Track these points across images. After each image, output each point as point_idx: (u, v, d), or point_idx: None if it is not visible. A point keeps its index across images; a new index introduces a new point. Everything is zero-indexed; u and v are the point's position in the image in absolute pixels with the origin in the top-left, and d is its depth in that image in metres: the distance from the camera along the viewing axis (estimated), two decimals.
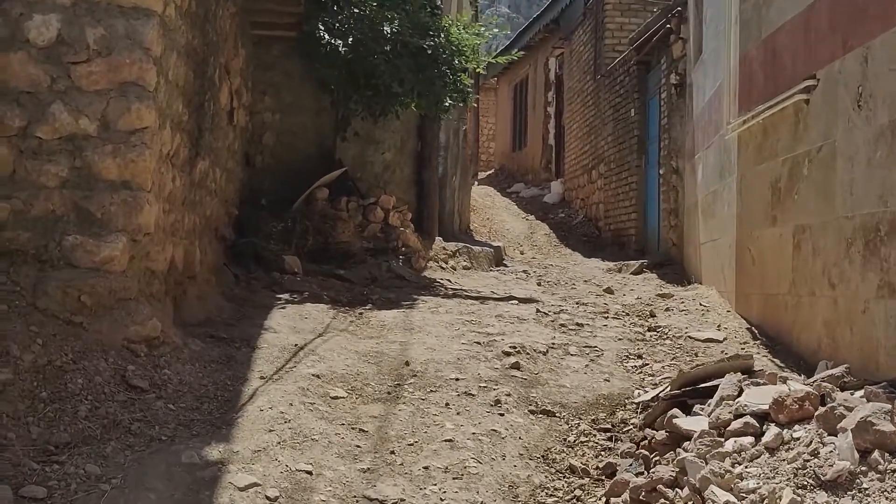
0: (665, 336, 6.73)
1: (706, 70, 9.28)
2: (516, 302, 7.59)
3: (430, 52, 8.92)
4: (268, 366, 5.11)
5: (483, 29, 9.60)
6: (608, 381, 5.52)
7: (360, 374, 5.17)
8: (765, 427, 3.58)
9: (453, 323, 6.53)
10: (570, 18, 17.65)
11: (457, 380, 5.20)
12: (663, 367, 5.88)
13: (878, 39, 5.03)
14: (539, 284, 10.10)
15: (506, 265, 12.17)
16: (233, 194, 8.58)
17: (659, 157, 12.34)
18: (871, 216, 5.07)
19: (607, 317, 7.30)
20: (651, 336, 6.73)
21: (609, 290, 9.07)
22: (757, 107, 6.95)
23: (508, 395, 5.03)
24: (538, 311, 7.12)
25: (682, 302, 8.01)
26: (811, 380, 4.20)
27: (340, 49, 8.58)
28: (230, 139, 8.29)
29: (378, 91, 9.27)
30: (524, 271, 11.28)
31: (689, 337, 6.63)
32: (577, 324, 6.86)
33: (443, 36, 9.11)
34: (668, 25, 11.31)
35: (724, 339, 6.57)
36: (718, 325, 6.99)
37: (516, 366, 5.53)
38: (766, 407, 3.62)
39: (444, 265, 10.33)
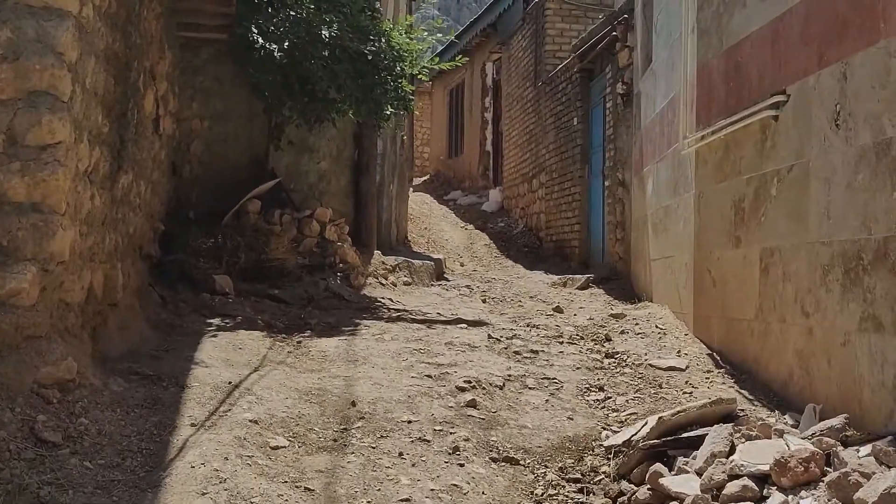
0: (624, 363, 6.36)
1: (657, 80, 8.97)
2: (465, 326, 7.15)
3: (370, 57, 8.43)
4: (199, 409, 4.57)
5: (426, 34, 9.16)
6: (571, 418, 5.11)
7: (302, 417, 4.67)
8: (766, 491, 3.20)
9: (400, 352, 6.06)
10: (508, 23, 17.31)
11: (409, 422, 4.74)
12: (627, 400, 5.50)
13: (860, 55, 4.71)
14: (484, 301, 9.68)
15: (447, 279, 11.74)
16: (158, 207, 7.98)
17: (603, 167, 12.03)
18: (853, 243, 4.75)
19: (562, 341, 6.90)
20: (610, 364, 6.35)
21: (559, 309, 8.69)
22: (718, 121, 6.62)
23: (467, 439, 4.58)
24: (490, 336, 6.69)
25: (637, 323, 7.66)
26: (808, 432, 3.84)
27: (275, 53, 8.03)
28: (156, 149, 7.70)
29: (314, 97, 8.74)
30: (467, 286, 10.86)
31: (649, 365, 6.26)
32: (532, 351, 6.44)
33: (384, 41, 8.63)
34: (614, 33, 11.00)
35: (687, 366, 6.22)
36: (678, 351, 6.65)
37: (473, 404, 5.09)
38: (766, 468, 3.23)
39: (383, 281, 9.84)
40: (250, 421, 4.45)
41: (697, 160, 7.13)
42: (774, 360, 5.68)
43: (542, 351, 6.49)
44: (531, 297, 10.13)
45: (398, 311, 7.92)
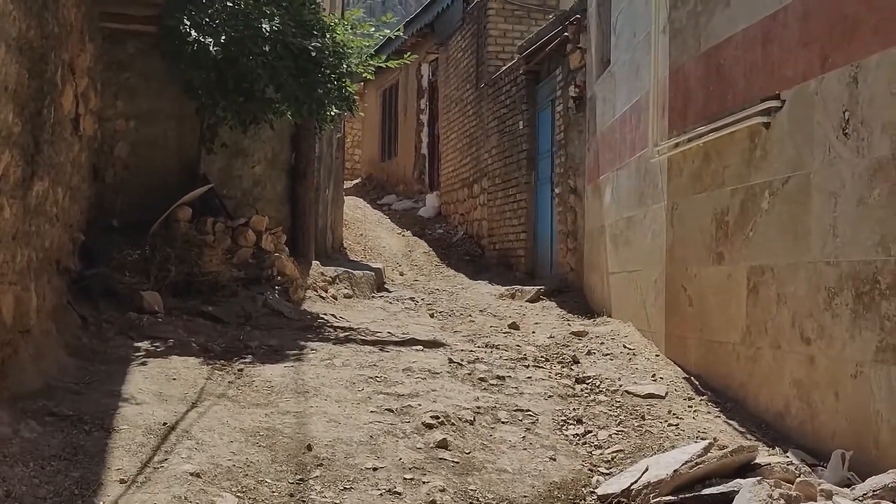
0: (598, 390, 5.84)
1: (616, 83, 8.50)
2: (421, 347, 6.55)
3: (314, 54, 7.77)
4: (129, 460, 3.89)
5: (373, 30, 8.54)
6: (554, 459, 4.55)
7: (251, 466, 4.02)
8: None
9: (355, 381, 5.43)
10: (446, 23, 16.76)
11: (374, 469, 4.13)
12: (610, 435, 4.97)
13: (876, 58, 4.26)
14: (432, 316, 9.09)
15: (388, 290, 11.11)
16: (78, 216, 7.21)
17: (552, 174, 11.55)
18: (867, 265, 4.30)
19: (527, 365, 6.35)
20: (582, 391, 5.82)
21: (515, 326, 8.15)
22: (695, 128, 6.16)
23: (443, 489, 4.00)
24: (450, 360, 6.11)
25: (602, 342, 7.16)
26: (860, 492, 3.34)
27: (210, 48, 7.32)
28: (75, 151, 6.93)
29: (251, 96, 8.05)
30: (411, 298, 10.25)
31: (626, 392, 5.75)
32: (498, 377, 5.88)
33: (328, 36, 7.98)
34: (566, 34, 10.52)
35: (666, 393, 5.73)
36: (653, 375, 6.16)
37: (444, 444, 4.50)
38: None
39: (323, 294, 9.18)
40: (191, 474, 3.79)
41: (670, 169, 6.66)
42: (766, 389, 5.22)
43: (509, 377, 5.92)
44: (480, 310, 9.57)
45: (345, 329, 7.28)
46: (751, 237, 5.42)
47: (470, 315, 9.18)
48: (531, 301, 10.22)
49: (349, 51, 8.27)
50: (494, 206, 13.68)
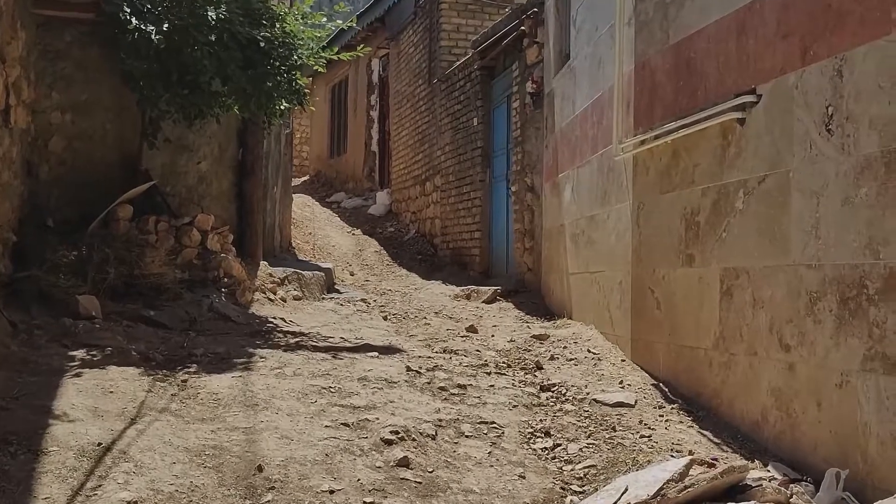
0: (564, 398, 5.56)
1: (577, 78, 8.25)
2: (376, 354, 6.21)
3: (263, 44, 7.39)
4: (59, 487, 3.51)
5: (325, 20, 8.17)
6: (524, 476, 4.26)
7: (196, 490, 3.67)
8: None
9: (307, 392, 5.08)
10: (397, 17, 16.42)
11: (331, 492, 3.80)
12: (580, 448, 4.69)
13: (863, 49, 4.03)
14: (386, 319, 8.76)
15: (339, 291, 10.76)
16: (9, 214, 6.76)
17: (508, 171, 11.28)
18: (853, 268, 4.07)
19: (489, 372, 6.05)
20: (548, 399, 5.54)
21: (473, 329, 7.85)
22: (663, 124, 5.92)
23: None
24: (408, 368, 5.78)
25: (565, 347, 6.89)
26: None
27: (152, 36, 6.91)
28: (6, 145, 6.49)
29: (196, 89, 7.65)
30: (363, 300, 9.91)
31: (594, 400, 5.49)
32: (459, 386, 5.57)
33: (278, 26, 7.60)
34: (522, 28, 10.25)
35: (635, 402, 5.47)
36: (620, 382, 5.90)
37: (405, 462, 4.18)
38: None
39: (272, 296, 8.80)
40: (128, 503, 3.42)
41: (636, 167, 6.42)
42: (742, 397, 4.99)
43: (471, 385, 5.62)
44: (436, 312, 9.27)
45: (295, 334, 6.92)
46: (724, 238, 5.18)
47: (425, 317, 8.87)
48: (488, 302, 9.94)
49: (299, 42, 7.90)
50: (448, 205, 13.38)
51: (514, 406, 5.30)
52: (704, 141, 5.42)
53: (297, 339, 6.60)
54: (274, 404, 4.81)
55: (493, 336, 7.53)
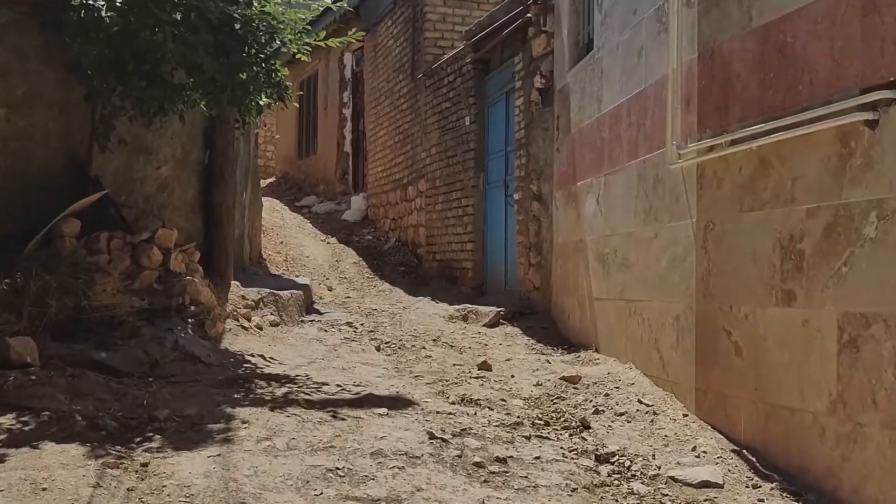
0: (631, 474, 4.39)
1: (604, 71, 7.09)
2: (385, 411, 4.97)
3: (238, 26, 6.14)
4: None
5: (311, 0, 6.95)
6: None
7: None
8: None
9: (308, 479, 3.85)
10: (374, 8, 15.16)
11: None
12: None
13: None
14: (378, 349, 7.56)
15: (319, 311, 9.50)
16: None
17: (507, 177, 10.10)
18: None
19: (528, 435, 4.85)
20: (611, 476, 4.36)
21: (485, 366, 6.66)
22: (743, 126, 4.76)
23: None
24: (431, 435, 4.56)
25: (607, 395, 5.73)
26: None
27: (103, 14, 5.65)
28: None
29: (156, 80, 6.39)
30: (348, 324, 8.68)
31: (670, 479, 4.32)
32: (498, 459, 4.37)
33: (256, 5, 6.35)
34: (528, 15, 9.07)
35: (723, 480, 4.31)
36: (693, 448, 4.75)
37: None
38: None
39: (246, 323, 7.54)
40: None
41: (702, 178, 5.26)
42: (876, 482, 3.84)
43: (512, 457, 4.42)
44: (434, 339, 8.07)
45: (280, 380, 5.67)
46: (844, 274, 4.04)
47: (423, 346, 7.67)
48: (490, 326, 8.75)
49: (280, 25, 6.65)
50: (434, 212, 12.16)
51: (574, 490, 4.11)
52: (810, 148, 4.27)
53: (284, 390, 5.35)
54: (266, 501, 3.57)
55: (512, 377, 6.33)
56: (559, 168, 8.34)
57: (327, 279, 11.79)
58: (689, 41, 5.40)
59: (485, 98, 10.86)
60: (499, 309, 8.98)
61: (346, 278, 12.03)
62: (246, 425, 4.48)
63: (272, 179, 21.20)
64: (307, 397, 5.17)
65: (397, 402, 5.24)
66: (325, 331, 8.27)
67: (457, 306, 9.66)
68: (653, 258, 5.97)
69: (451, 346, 7.80)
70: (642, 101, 6.18)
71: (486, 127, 10.82)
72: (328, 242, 13.93)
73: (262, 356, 6.49)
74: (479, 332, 8.45)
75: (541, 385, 6.02)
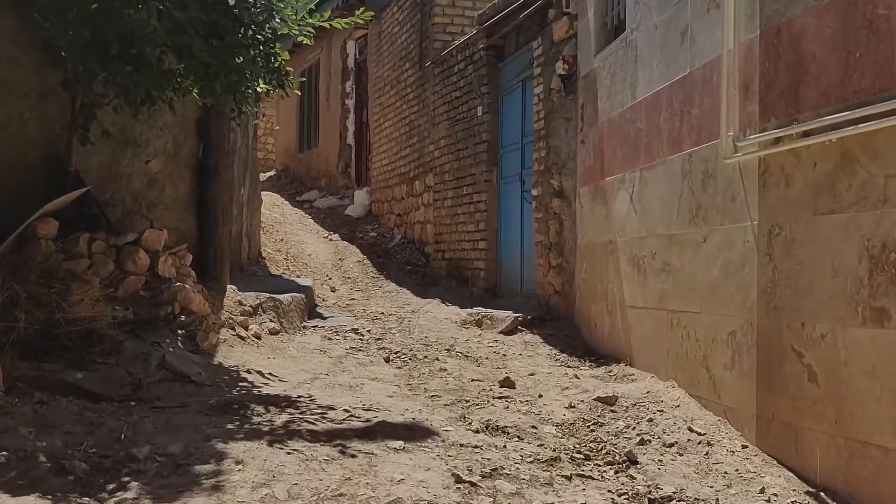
0: None
1: (639, 55, 6.40)
2: (402, 444, 4.29)
3: (233, 3, 5.45)
4: None
5: None
6: None
7: None
8: None
9: None
10: None
11: None
12: None
13: None
14: (388, 361, 6.90)
15: (321, 315, 8.87)
16: None
17: (524, 171, 9.41)
18: None
19: (568, 475, 4.16)
20: None
21: (508, 383, 5.99)
22: (820, 115, 4.08)
23: None
24: (457, 478, 3.88)
25: (651, 420, 5.05)
26: None
27: None
28: None
29: (142, 65, 5.71)
30: (354, 330, 8.02)
31: None
32: None
33: None
34: None
35: None
36: (761, 489, 4.07)
37: None
38: None
39: (243, 333, 6.87)
40: None
41: (765, 174, 4.57)
42: None
43: None
44: (447, 348, 7.41)
45: (280, 404, 4.99)
46: None
47: (437, 358, 7.00)
48: (507, 333, 8.09)
49: (280, 3, 5.97)
50: (443, 208, 11.48)
51: None
52: None
53: (285, 417, 4.66)
54: None
55: (540, 396, 5.65)
56: (584, 162, 7.66)
57: (330, 279, 11.12)
58: (749, 17, 4.71)
59: (499, 87, 10.17)
60: (516, 314, 8.30)
61: (349, 278, 11.36)
62: (240, 466, 3.80)
63: (272, 173, 20.53)
64: (311, 427, 4.49)
65: (414, 432, 4.56)
66: (329, 339, 7.60)
67: (469, 310, 9.00)
68: (700, 264, 5.29)
69: (467, 357, 7.13)
70: (687, 86, 5.50)
71: (501, 117, 10.13)
72: (331, 239, 13.26)
73: (259, 372, 5.83)
74: (496, 341, 7.78)
75: (574, 407, 5.35)
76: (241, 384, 5.45)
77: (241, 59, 5.75)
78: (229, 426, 4.42)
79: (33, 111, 6.31)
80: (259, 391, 5.31)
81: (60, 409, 4.41)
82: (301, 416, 4.70)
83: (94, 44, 5.64)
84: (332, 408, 4.95)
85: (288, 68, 6.32)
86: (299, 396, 5.23)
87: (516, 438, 4.68)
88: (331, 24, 6.36)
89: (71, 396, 4.67)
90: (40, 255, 5.64)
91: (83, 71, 5.90)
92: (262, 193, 14.66)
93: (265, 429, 4.42)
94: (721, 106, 4.91)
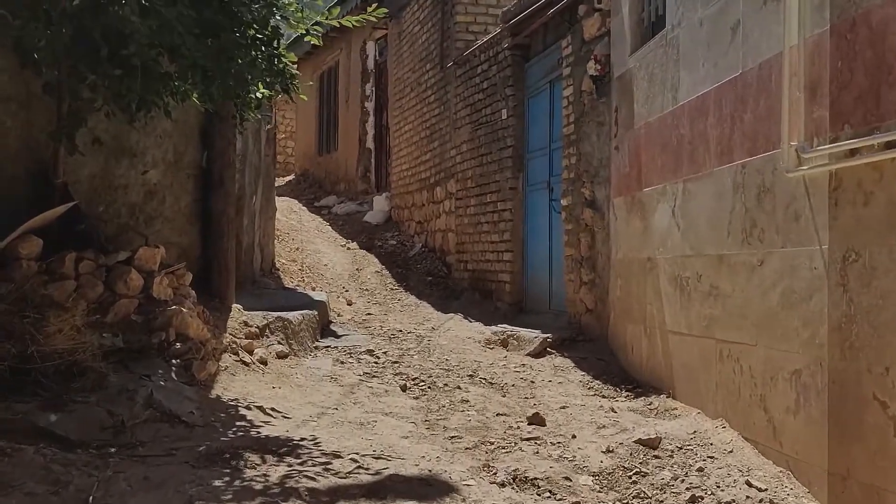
0: None
1: (681, 53, 5.78)
2: None
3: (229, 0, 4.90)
4: None
5: None
6: None
7: None
8: None
9: None
10: None
11: None
12: None
13: None
14: (404, 390, 6.31)
15: (335, 332, 8.30)
16: None
17: (552, 178, 8.80)
18: None
19: None
20: None
21: (537, 419, 5.38)
22: None
23: None
24: None
25: (701, 469, 4.43)
26: None
27: None
28: None
29: (134, 67, 5.14)
30: (369, 352, 7.44)
31: None
32: None
33: None
34: None
35: None
36: None
37: None
38: None
39: (247, 358, 6.30)
40: None
41: (837, 190, 3.94)
42: None
43: None
44: (470, 374, 6.81)
45: (279, 451, 4.40)
46: None
47: (458, 386, 6.41)
48: (535, 356, 7.48)
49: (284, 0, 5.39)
50: (466, 216, 10.87)
51: None
52: None
53: (282, 471, 4.07)
54: None
55: (574, 437, 5.04)
56: (619, 170, 7.03)
57: (346, 291, 10.55)
58: (817, 9, 4.08)
59: (524, 88, 9.55)
60: (545, 335, 7.67)
61: (367, 290, 10.78)
62: None
63: (291, 177, 20.03)
64: (311, 483, 3.90)
65: (431, 489, 3.97)
66: (342, 362, 7.03)
67: (494, 328, 8.40)
68: (756, 290, 4.65)
69: (492, 384, 6.54)
70: (739, 88, 4.87)
71: (527, 121, 9.52)
72: (348, 248, 12.69)
73: (260, 407, 5.25)
74: (523, 365, 7.17)
75: (612, 452, 4.73)
76: (237, 424, 4.87)
77: (241, 60, 5.18)
78: (217, 482, 3.84)
79: (17, 119, 5.80)
80: (258, 433, 4.73)
81: (24, 461, 3.85)
82: (301, 469, 4.10)
83: (83, 44, 5.11)
84: (337, 455, 4.36)
85: (294, 71, 5.73)
86: (302, 439, 4.64)
87: (548, 494, 4.08)
88: (340, 23, 5.77)
89: (42, 443, 4.12)
90: (20, 276, 5.10)
91: (70, 75, 5.37)
92: (280, 199, 14.17)
93: (258, 486, 3.83)
94: (782, 111, 4.28)
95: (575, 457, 4.68)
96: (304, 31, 5.73)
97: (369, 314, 9.58)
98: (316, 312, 8.07)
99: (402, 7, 13.66)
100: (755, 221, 4.68)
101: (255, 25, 5.18)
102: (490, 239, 10.12)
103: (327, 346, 7.59)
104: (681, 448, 4.76)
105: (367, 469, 4.17)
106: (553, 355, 7.40)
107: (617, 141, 7.10)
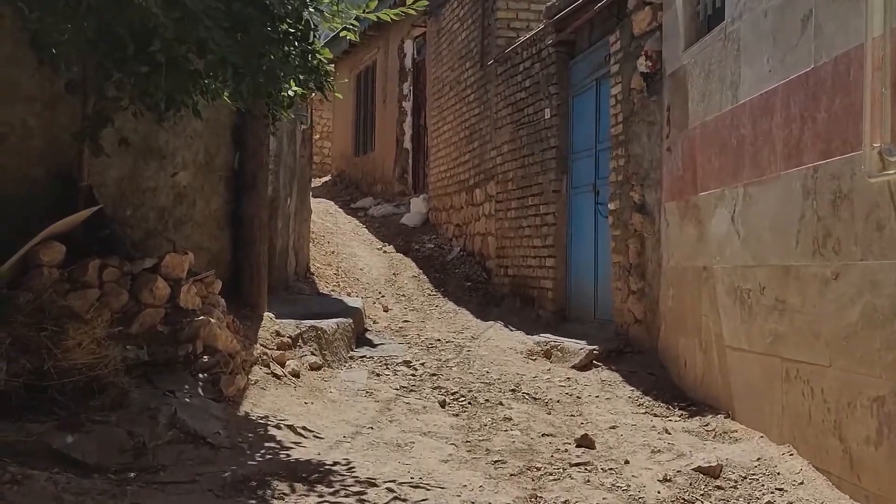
0: None
1: (742, 48, 5.38)
2: None
3: None
4: None
5: None
6: None
7: None
8: None
9: None
10: None
11: None
12: None
13: None
14: (444, 405, 5.96)
15: (371, 342, 7.98)
16: None
17: (598, 181, 8.41)
18: None
19: None
20: None
21: (587, 442, 5.02)
22: None
23: None
24: None
25: (769, 503, 4.04)
26: None
27: None
28: None
29: (160, 64, 4.85)
30: (405, 363, 7.11)
31: None
32: None
33: None
34: None
35: None
36: None
37: None
38: None
39: (279, 370, 6.00)
40: None
41: None
42: None
43: None
44: (512, 389, 6.46)
45: (309, 474, 4.08)
46: None
47: (500, 402, 6.07)
48: (580, 369, 7.10)
49: None
50: (506, 219, 10.51)
51: None
52: None
53: (313, 503, 3.75)
54: None
55: (627, 463, 4.67)
56: (672, 173, 6.64)
57: (383, 297, 10.23)
58: None
59: (569, 87, 9.17)
60: (591, 346, 7.29)
61: (404, 295, 10.45)
62: None
63: (328, 178, 19.77)
64: None
65: None
66: (378, 375, 6.71)
67: (536, 338, 8.04)
68: (830, 307, 4.25)
69: (535, 400, 6.18)
70: (811, 85, 4.47)
71: (571, 121, 9.13)
72: (384, 251, 12.37)
73: (291, 427, 4.93)
74: (569, 378, 6.80)
75: (670, 481, 4.36)
76: (266, 445, 4.56)
77: (272, 56, 4.86)
78: None
79: (40, 119, 5.53)
80: (287, 455, 4.42)
81: (35, 490, 3.55)
82: (332, 500, 3.78)
83: (108, 41, 4.84)
84: (372, 483, 4.03)
85: (329, 67, 5.40)
86: (335, 463, 4.32)
87: None
88: (378, 17, 5.43)
89: (56, 468, 3.83)
90: (40, 285, 4.83)
91: (95, 73, 5.11)
92: (316, 200, 13.86)
93: None
94: (863, 110, 3.88)
95: (629, 486, 4.31)
96: (340, 27, 5.41)
97: (406, 321, 9.26)
98: (351, 320, 7.77)
99: (442, 4, 13.33)
100: (829, 231, 4.28)
101: (287, 19, 4.86)
102: (532, 244, 9.75)
103: (363, 357, 7.28)
104: (745, 477, 4.38)
105: (404, 500, 3.84)
106: (600, 368, 7.03)
107: (669, 142, 6.70)
